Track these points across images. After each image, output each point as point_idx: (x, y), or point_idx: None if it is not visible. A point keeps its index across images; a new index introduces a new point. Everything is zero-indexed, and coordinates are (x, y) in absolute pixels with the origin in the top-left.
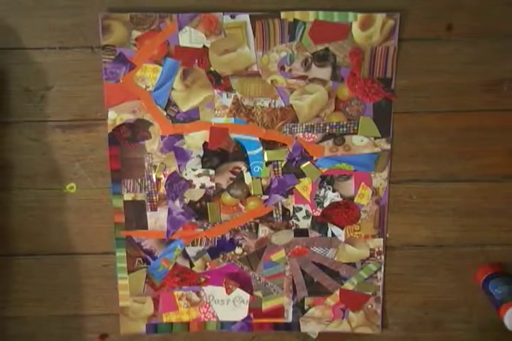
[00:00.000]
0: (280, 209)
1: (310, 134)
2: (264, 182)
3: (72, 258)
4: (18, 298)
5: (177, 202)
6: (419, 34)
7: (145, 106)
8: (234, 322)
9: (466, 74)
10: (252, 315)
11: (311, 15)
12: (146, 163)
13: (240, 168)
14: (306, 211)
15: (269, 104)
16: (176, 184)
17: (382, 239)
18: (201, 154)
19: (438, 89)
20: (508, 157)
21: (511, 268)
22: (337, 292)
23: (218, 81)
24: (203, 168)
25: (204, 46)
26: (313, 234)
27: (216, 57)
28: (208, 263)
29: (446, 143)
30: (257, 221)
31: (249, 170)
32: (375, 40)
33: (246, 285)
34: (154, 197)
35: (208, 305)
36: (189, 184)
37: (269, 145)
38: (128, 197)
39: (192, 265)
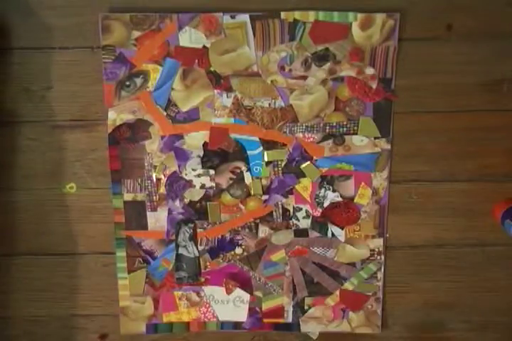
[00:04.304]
0: (280, 209)
1: (310, 134)
2: (264, 182)
3: (72, 258)
4: (18, 298)
5: (177, 202)
6: (419, 34)
7: (145, 106)
8: (240, 322)
9: (466, 74)
10: (258, 312)
11: (311, 15)
12: (146, 163)
13: (239, 168)
14: (306, 211)
15: (269, 104)
16: (176, 184)
17: (382, 239)
18: (201, 154)
19: (438, 89)
20: (508, 157)
21: None
22: (337, 292)
23: (218, 81)
24: (203, 168)
25: (204, 46)
26: (313, 234)
27: (216, 57)
28: (208, 263)
29: (447, 143)
30: (257, 221)
31: (249, 170)
32: (375, 40)
33: (246, 285)
34: (154, 197)
35: (207, 305)
36: (189, 184)
37: (269, 145)
38: (128, 197)
39: None
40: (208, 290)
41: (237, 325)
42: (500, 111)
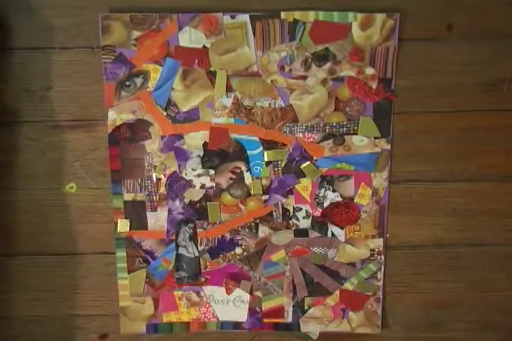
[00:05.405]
0: (280, 209)
1: (310, 134)
2: (264, 182)
3: (72, 258)
4: (18, 298)
5: (177, 202)
6: (419, 34)
7: (145, 106)
8: (240, 322)
9: (466, 74)
10: (258, 312)
11: (311, 15)
12: (146, 163)
13: (240, 168)
14: (306, 211)
15: (269, 104)
16: (176, 184)
17: (382, 239)
18: (201, 154)
19: (438, 89)
20: (508, 157)
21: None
22: (337, 292)
23: None
24: (203, 168)
25: (204, 46)
26: (313, 234)
27: (216, 57)
28: (208, 263)
29: (446, 143)
30: (257, 221)
31: (249, 170)
32: (375, 40)
33: (246, 285)
34: (154, 197)
35: (208, 305)
36: (189, 184)
37: (269, 145)
38: (128, 197)
39: None
40: (208, 290)
41: (237, 325)
42: (500, 111)
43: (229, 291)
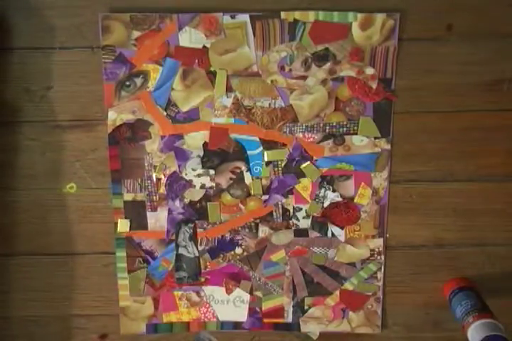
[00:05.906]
0: (280, 209)
1: (310, 134)
2: (264, 182)
3: (72, 258)
4: (18, 298)
5: (177, 202)
6: (419, 34)
7: (145, 106)
8: (240, 322)
9: (467, 74)
10: (258, 312)
11: (311, 15)
12: (146, 163)
13: (240, 168)
14: (306, 211)
15: (269, 104)
16: (176, 184)
17: (382, 239)
18: (201, 154)
19: (438, 89)
20: (508, 157)
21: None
22: (337, 292)
23: None
24: (203, 168)
25: (204, 46)
26: (313, 234)
27: (216, 57)
28: (208, 263)
29: (447, 143)
30: (257, 221)
31: (249, 170)
32: (375, 40)
33: (246, 284)
34: (154, 197)
35: (208, 305)
36: (189, 184)
37: (269, 145)
38: (128, 197)
39: None
40: (208, 290)
41: (237, 325)
42: (500, 111)
43: (229, 291)
